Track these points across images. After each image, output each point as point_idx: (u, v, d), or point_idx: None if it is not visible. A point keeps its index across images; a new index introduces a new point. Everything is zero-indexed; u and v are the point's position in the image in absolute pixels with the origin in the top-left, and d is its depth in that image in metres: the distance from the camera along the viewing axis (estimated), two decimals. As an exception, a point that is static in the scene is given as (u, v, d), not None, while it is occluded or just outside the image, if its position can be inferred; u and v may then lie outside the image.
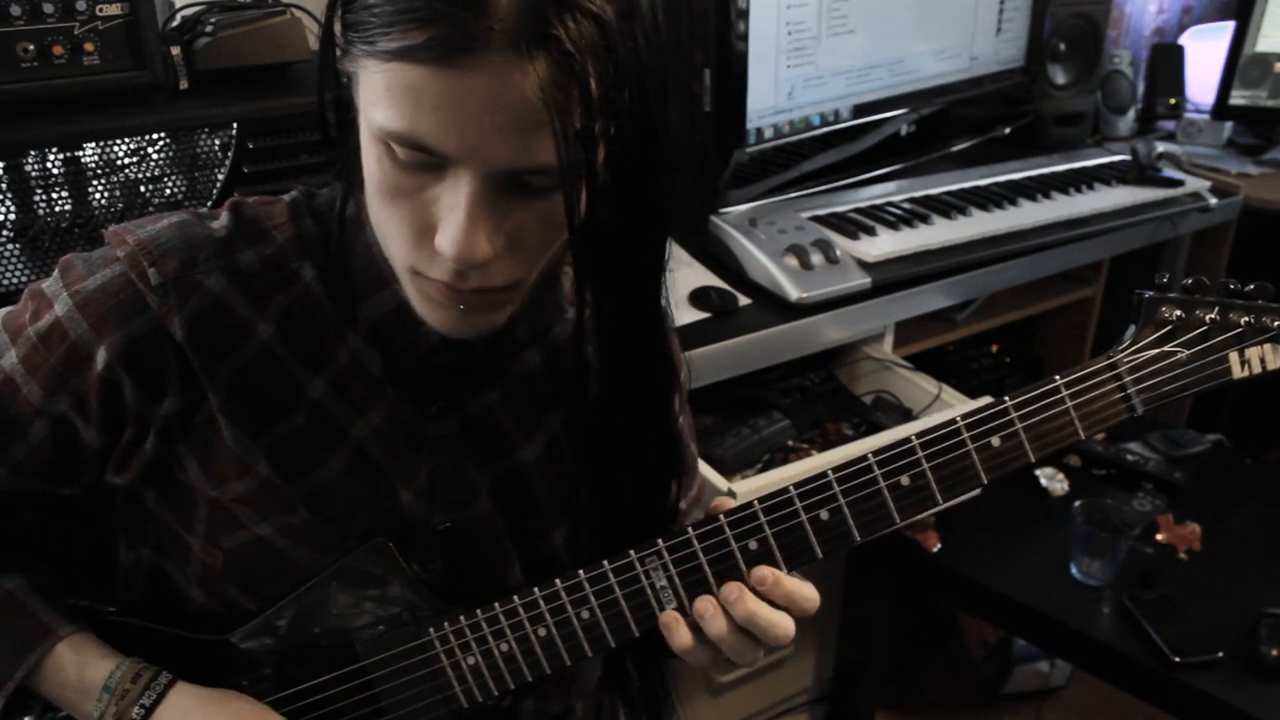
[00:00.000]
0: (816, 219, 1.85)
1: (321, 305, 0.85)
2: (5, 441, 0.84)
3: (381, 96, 0.66)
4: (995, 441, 0.81)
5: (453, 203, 0.68)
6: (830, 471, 0.81)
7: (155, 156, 1.28)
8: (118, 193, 1.27)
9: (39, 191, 1.22)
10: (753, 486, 1.44)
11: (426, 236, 0.71)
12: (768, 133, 1.80)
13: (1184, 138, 2.67)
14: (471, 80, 0.63)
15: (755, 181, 1.88)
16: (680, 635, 0.82)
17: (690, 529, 0.83)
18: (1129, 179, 2.19)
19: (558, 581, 0.85)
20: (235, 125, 1.32)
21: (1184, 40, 2.81)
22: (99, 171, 1.25)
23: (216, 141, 1.31)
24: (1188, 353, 0.81)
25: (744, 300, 1.66)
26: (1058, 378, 0.81)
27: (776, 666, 2.09)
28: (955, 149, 2.25)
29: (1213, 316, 0.81)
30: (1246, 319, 0.80)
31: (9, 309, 0.87)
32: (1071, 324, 2.39)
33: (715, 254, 1.78)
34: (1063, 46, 2.40)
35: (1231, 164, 2.51)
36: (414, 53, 0.63)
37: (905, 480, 0.81)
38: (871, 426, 1.73)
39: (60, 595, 0.91)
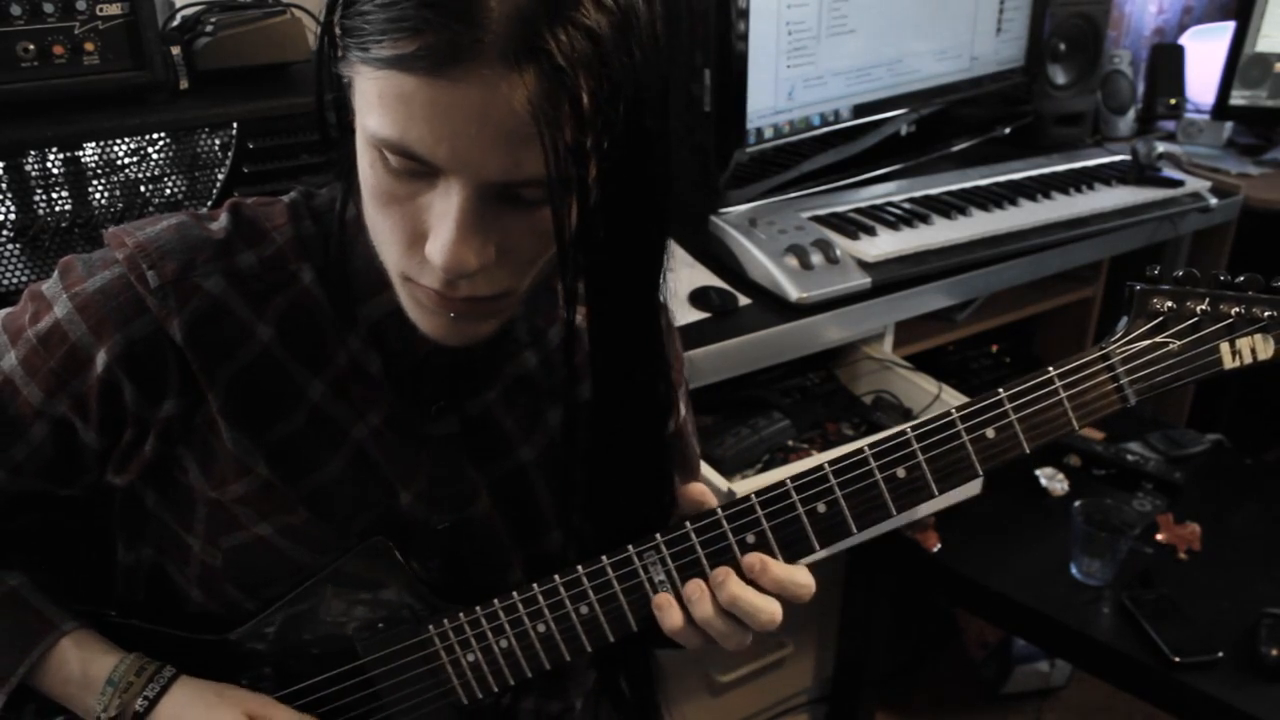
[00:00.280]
0: (816, 219, 1.85)
1: (321, 307, 0.85)
2: (5, 443, 0.85)
3: (374, 103, 0.66)
4: (990, 433, 0.81)
5: (443, 211, 0.68)
6: (826, 464, 0.82)
7: (155, 156, 1.28)
8: (118, 193, 1.27)
9: (39, 191, 1.22)
10: (752, 486, 1.44)
11: (418, 243, 0.71)
12: (768, 133, 1.80)
13: (1184, 138, 2.67)
14: (461, 91, 0.63)
15: (755, 181, 1.88)
16: (672, 617, 0.83)
17: (688, 523, 0.83)
18: (1129, 179, 2.19)
19: (556, 577, 0.85)
20: (235, 125, 1.32)
21: (1184, 40, 2.81)
22: (99, 171, 1.25)
23: (216, 141, 1.31)
24: (1179, 343, 0.81)
25: (744, 300, 1.66)
26: (1051, 369, 0.81)
27: (776, 666, 2.09)
28: (955, 149, 2.25)
29: (1203, 307, 0.81)
30: (1237, 310, 0.81)
31: (9, 310, 0.88)
32: (1071, 324, 2.39)
33: (715, 254, 1.78)
34: (1063, 46, 2.40)
35: (1231, 164, 2.51)
36: (405, 62, 0.63)
37: (901, 472, 0.81)
38: (871, 426, 1.73)
39: (62, 594, 0.92)
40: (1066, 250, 1.99)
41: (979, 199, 2.00)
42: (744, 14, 1.67)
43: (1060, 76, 2.41)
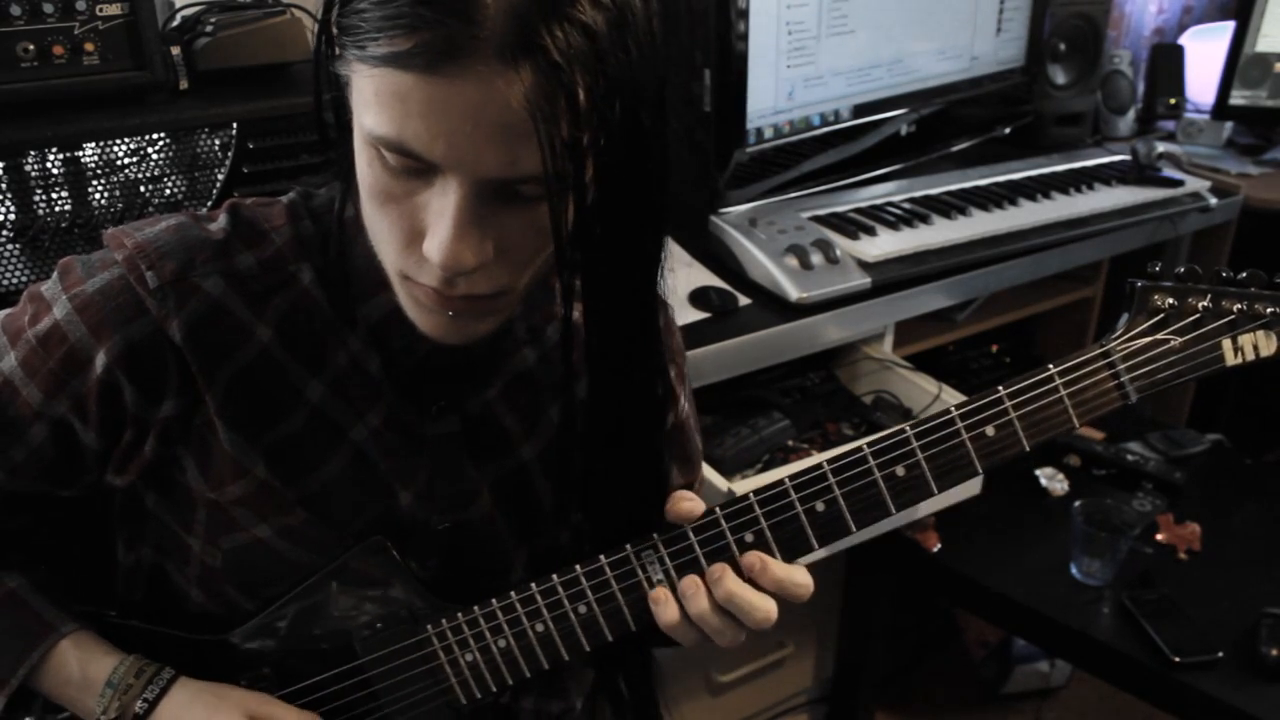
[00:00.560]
0: (816, 219, 1.85)
1: (320, 307, 0.85)
2: (5, 443, 0.85)
3: (371, 101, 0.67)
4: (989, 430, 0.81)
5: (440, 209, 0.68)
6: (825, 463, 0.82)
7: (155, 156, 1.28)
8: (118, 193, 1.27)
9: (39, 191, 1.22)
10: (752, 486, 1.44)
11: (415, 242, 0.71)
12: (768, 133, 1.80)
13: (1184, 138, 2.67)
14: (458, 88, 0.63)
15: (755, 181, 1.88)
16: (668, 611, 0.83)
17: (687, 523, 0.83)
18: (1129, 179, 2.19)
19: (554, 577, 0.86)
20: (235, 125, 1.32)
21: (1184, 40, 2.81)
22: (99, 171, 1.25)
23: (216, 141, 1.31)
24: (1180, 340, 0.81)
25: (744, 300, 1.66)
26: (1051, 366, 0.81)
27: (776, 666, 2.09)
28: (955, 149, 2.25)
29: (1205, 304, 0.81)
30: (1239, 306, 0.80)
31: (8, 311, 0.88)
32: (1071, 324, 2.39)
33: (715, 254, 1.78)
34: (1063, 46, 2.40)
35: (1231, 164, 2.51)
36: (402, 59, 0.63)
37: (900, 471, 0.81)
38: (871, 426, 1.73)
39: (61, 595, 0.92)
40: (1066, 250, 1.99)
41: (979, 199, 2.00)
42: (744, 14, 1.67)
43: (1060, 76, 2.41)
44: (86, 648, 0.88)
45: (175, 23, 1.45)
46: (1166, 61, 2.70)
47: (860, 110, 1.96)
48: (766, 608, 0.82)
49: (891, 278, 1.74)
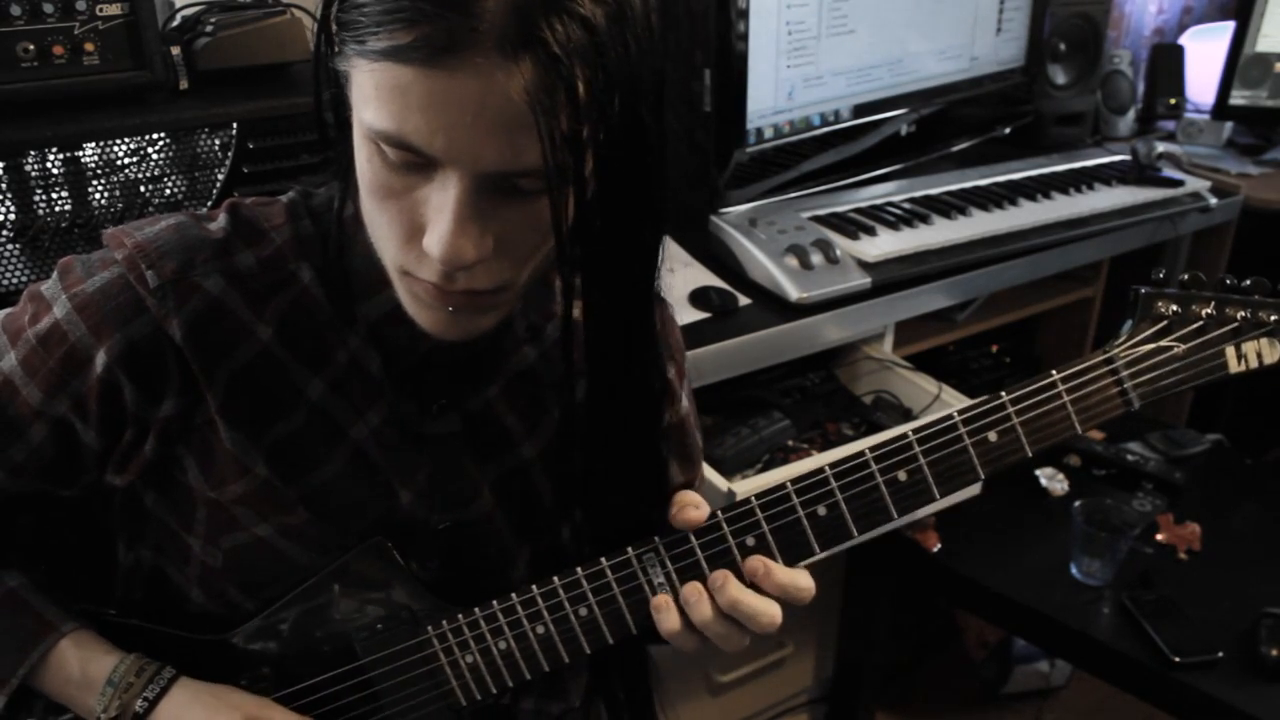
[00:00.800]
0: (816, 219, 1.85)
1: (320, 306, 0.85)
2: (5, 443, 0.84)
3: (370, 96, 0.66)
4: (992, 436, 0.81)
5: (440, 204, 0.68)
6: (828, 468, 0.82)
7: (155, 156, 1.28)
8: (118, 193, 1.27)
9: (39, 191, 1.22)
10: (752, 486, 1.44)
11: (415, 237, 0.71)
12: (768, 133, 1.80)
13: (1184, 138, 2.67)
14: (458, 81, 0.63)
15: (755, 181, 1.88)
16: (669, 619, 0.83)
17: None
18: (1129, 179, 2.19)
19: (555, 579, 0.85)
20: (235, 125, 1.32)
21: (1184, 40, 2.81)
22: (99, 171, 1.25)
23: (216, 141, 1.31)
24: (1184, 347, 0.81)
25: (744, 300, 1.66)
26: (1054, 372, 0.81)
27: (776, 666, 2.09)
28: (955, 149, 2.25)
29: (1209, 311, 0.81)
30: (1243, 313, 0.80)
31: (8, 311, 0.88)
32: (1071, 324, 2.39)
33: (715, 254, 1.78)
34: (1063, 46, 2.40)
35: (1231, 164, 2.51)
36: (401, 53, 0.63)
37: (902, 476, 0.81)
38: (871, 426, 1.73)
39: (61, 594, 0.92)
40: (1066, 250, 1.99)
41: (979, 199, 2.00)
42: (744, 14, 1.67)
43: (1060, 76, 2.41)
44: (87, 646, 0.88)
45: (175, 23, 1.45)
46: (1166, 61, 2.70)
47: (860, 110, 1.96)
48: (771, 613, 0.82)
49: (891, 278, 1.74)
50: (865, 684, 2.15)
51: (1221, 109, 2.59)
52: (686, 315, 1.60)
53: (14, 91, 1.20)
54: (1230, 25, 2.58)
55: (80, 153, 1.23)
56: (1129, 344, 0.82)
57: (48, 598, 0.90)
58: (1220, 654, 1.58)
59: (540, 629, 0.86)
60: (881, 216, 1.88)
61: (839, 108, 1.92)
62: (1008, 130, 2.33)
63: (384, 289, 0.82)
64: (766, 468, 1.62)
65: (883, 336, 1.84)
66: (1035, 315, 2.30)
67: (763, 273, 1.69)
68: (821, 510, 0.82)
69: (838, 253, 1.72)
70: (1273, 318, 0.80)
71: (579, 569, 0.85)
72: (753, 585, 0.82)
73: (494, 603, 0.87)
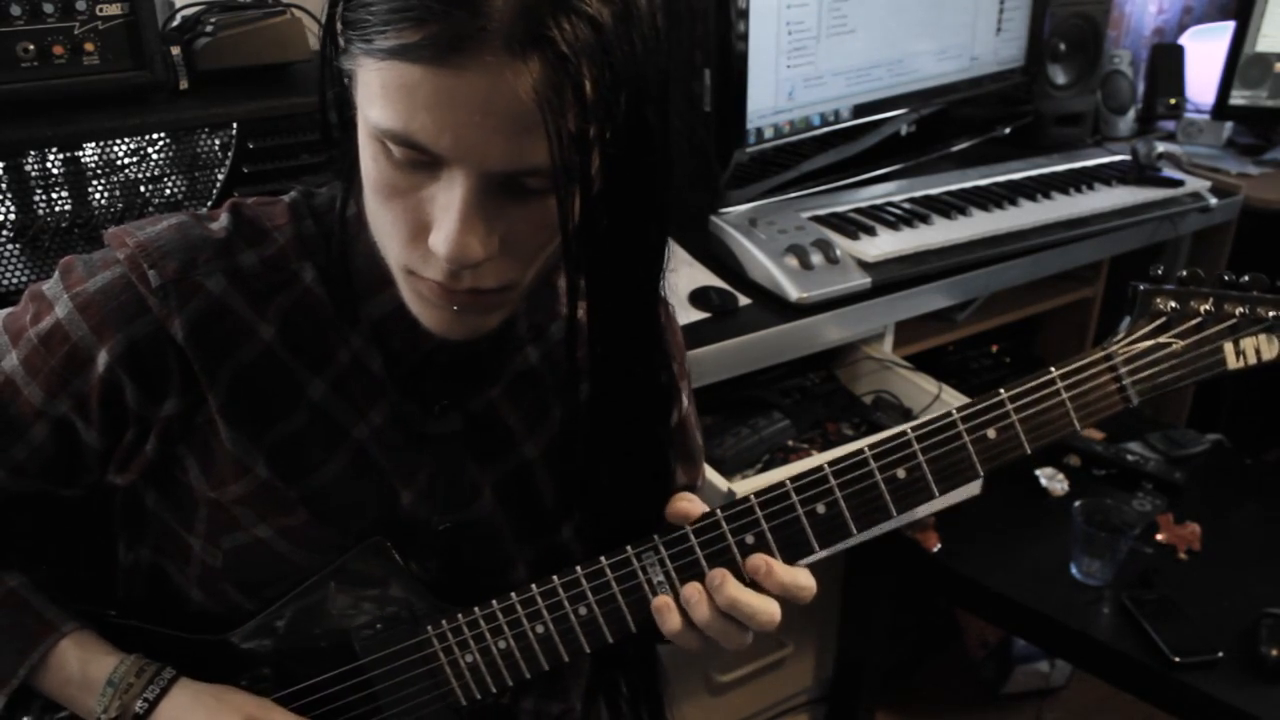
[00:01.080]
0: (816, 219, 1.85)
1: (322, 305, 0.85)
2: (6, 443, 0.84)
3: (377, 94, 0.67)
4: (991, 433, 0.81)
5: (446, 203, 0.68)
6: (826, 465, 0.82)
7: (155, 156, 1.28)
8: (118, 193, 1.27)
9: (39, 191, 1.22)
10: (752, 486, 1.44)
11: (421, 236, 0.71)
12: (768, 133, 1.80)
13: (1184, 138, 2.67)
14: (465, 80, 0.63)
15: (755, 181, 1.88)
16: (670, 620, 0.83)
17: (687, 524, 0.83)
18: (1129, 179, 2.19)
19: (555, 578, 0.85)
20: (235, 125, 1.32)
21: (1184, 40, 2.81)
22: (99, 171, 1.25)
23: (216, 141, 1.31)
24: (1182, 344, 0.81)
25: (744, 300, 1.66)
26: (1053, 369, 0.81)
27: (776, 666, 2.09)
28: (955, 149, 2.25)
29: (1207, 308, 0.81)
30: (1241, 310, 0.80)
31: (9, 311, 0.88)
32: (1071, 324, 2.39)
33: (715, 254, 1.78)
34: (1063, 46, 2.40)
35: (1231, 164, 2.51)
36: (409, 51, 0.63)
37: (901, 473, 0.81)
38: (871, 426, 1.73)
39: (62, 595, 0.92)
40: (1066, 250, 1.99)
41: (979, 199, 2.00)
42: (744, 14, 1.67)
43: (1060, 76, 2.41)
44: (87, 647, 0.88)
45: (175, 23, 1.45)
46: (1166, 61, 2.70)
47: (860, 110, 1.96)
48: (770, 611, 0.82)
49: (891, 278, 1.74)
50: (865, 684, 2.15)
51: (1221, 109, 2.59)
52: (686, 315, 1.60)
53: (14, 91, 1.20)
54: (1230, 25, 2.58)
55: (80, 153, 1.23)
56: (1127, 341, 0.82)
57: (48, 598, 0.90)
58: (1220, 654, 1.58)
59: (540, 628, 0.86)
60: (881, 216, 1.88)
61: (839, 108, 1.92)
62: (1008, 130, 2.33)
63: (386, 289, 0.82)
64: (766, 468, 1.62)
65: (883, 336, 1.84)
66: (1035, 315, 2.30)
67: (763, 273, 1.69)
68: (821, 508, 0.82)
69: (838, 253, 1.72)
70: (1271, 314, 0.80)
71: (578, 568, 0.85)
72: (754, 584, 0.82)
73: (494, 602, 0.87)
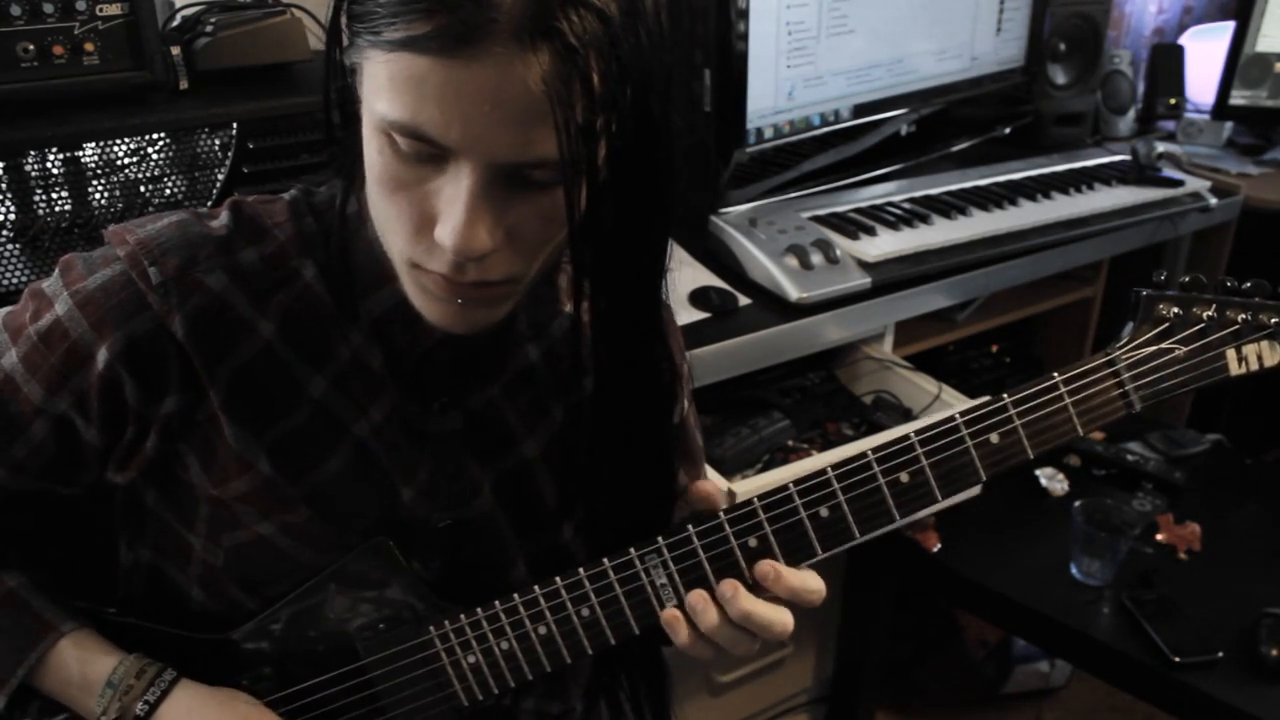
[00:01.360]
0: (816, 219, 1.85)
1: (322, 303, 0.85)
2: (6, 441, 0.84)
3: (384, 86, 0.67)
4: (994, 438, 0.81)
5: (453, 195, 0.69)
6: (830, 469, 0.82)
7: (155, 156, 1.28)
8: (118, 193, 1.27)
9: (39, 191, 1.22)
10: (752, 486, 1.44)
11: (426, 229, 0.71)
12: (768, 133, 1.80)
13: (1184, 138, 2.68)
14: (474, 71, 0.63)
15: (755, 181, 1.88)
16: (681, 633, 0.83)
17: (690, 526, 0.83)
18: (1129, 179, 2.19)
19: (558, 579, 0.85)
20: (235, 125, 1.32)
21: (1184, 40, 2.81)
22: (99, 171, 1.25)
23: (216, 141, 1.31)
24: (1185, 350, 0.81)
25: (744, 300, 1.66)
26: (1056, 375, 0.81)
27: (776, 666, 2.09)
28: (955, 149, 2.25)
29: (1210, 314, 0.81)
30: (1244, 316, 0.80)
31: (9, 309, 0.87)
32: (1071, 324, 2.39)
33: (715, 254, 1.78)
34: (1063, 46, 2.40)
35: (1231, 164, 2.51)
36: (418, 43, 0.63)
37: (904, 477, 0.81)
38: (871, 426, 1.73)
39: (61, 594, 0.91)
40: (1066, 250, 1.99)
41: (979, 199, 2.00)
42: (744, 14, 1.67)
43: (1060, 76, 2.41)
44: (86, 647, 0.87)
45: (175, 23, 1.45)
46: (1166, 61, 2.70)
47: (860, 110, 1.96)
48: (784, 620, 0.82)
49: (891, 278, 1.74)
50: (865, 684, 2.15)
51: (1221, 109, 2.59)
52: (686, 315, 1.60)
53: (14, 91, 1.20)
54: (1230, 25, 2.58)
55: (80, 153, 1.23)
56: (1130, 346, 0.82)
57: (47, 597, 0.89)
58: (1220, 654, 1.58)
59: (542, 629, 0.86)
60: (881, 216, 1.88)
61: (839, 108, 1.92)
62: (1008, 130, 2.33)
63: (387, 285, 0.82)
64: (766, 468, 1.62)
65: (883, 336, 1.84)
66: (1035, 315, 2.30)
67: (763, 273, 1.69)
68: (824, 511, 0.82)
69: (838, 253, 1.72)
70: (1273, 320, 0.80)
71: (581, 569, 0.85)
72: (761, 589, 0.82)
73: (496, 602, 0.87)
